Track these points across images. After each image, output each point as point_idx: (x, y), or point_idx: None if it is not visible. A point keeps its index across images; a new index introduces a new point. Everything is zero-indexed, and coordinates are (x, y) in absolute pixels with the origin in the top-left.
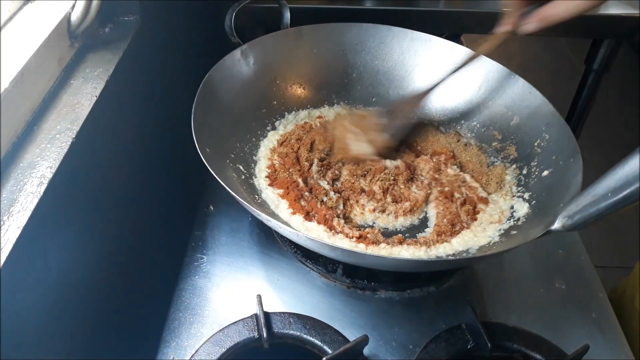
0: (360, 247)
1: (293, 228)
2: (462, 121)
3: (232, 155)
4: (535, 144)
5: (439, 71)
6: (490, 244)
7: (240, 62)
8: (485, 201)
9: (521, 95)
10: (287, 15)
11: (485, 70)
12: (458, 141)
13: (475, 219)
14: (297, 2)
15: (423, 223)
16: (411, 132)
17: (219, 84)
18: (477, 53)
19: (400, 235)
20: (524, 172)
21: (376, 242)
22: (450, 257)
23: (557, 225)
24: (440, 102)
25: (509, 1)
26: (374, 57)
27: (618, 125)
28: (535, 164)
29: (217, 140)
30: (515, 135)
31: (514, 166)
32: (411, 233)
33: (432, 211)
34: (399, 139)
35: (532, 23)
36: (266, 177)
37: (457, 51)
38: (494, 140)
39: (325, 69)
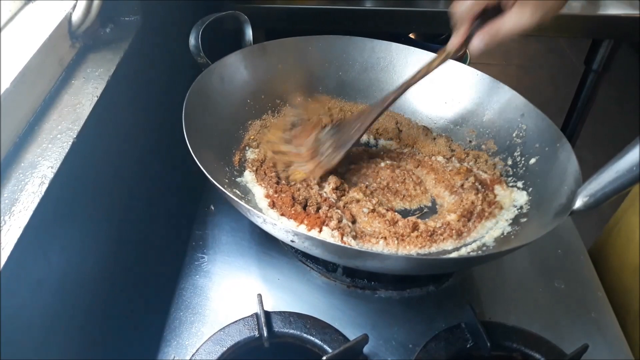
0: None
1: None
2: (434, 122)
3: (227, 174)
4: (514, 134)
5: (401, 77)
6: (505, 234)
7: (212, 82)
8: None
9: (489, 91)
10: (249, 31)
11: (450, 71)
12: (426, 135)
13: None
14: (298, 1)
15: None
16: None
17: (200, 105)
18: (427, 69)
19: (413, 217)
20: (509, 162)
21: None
22: (479, 253)
23: (578, 204)
24: (411, 107)
25: (461, 9)
26: (337, 69)
27: (618, 125)
28: (519, 153)
29: (219, 161)
30: (491, 130)
31: (497, 158)
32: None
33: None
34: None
35: (483, 38)
36: (268, 205)
37: (417, 55)
38: (469, 137)
39: (292, 84)
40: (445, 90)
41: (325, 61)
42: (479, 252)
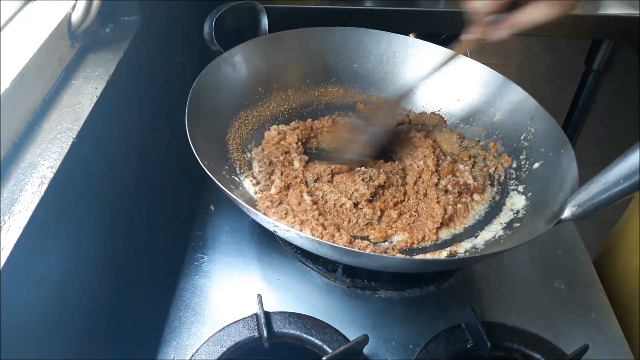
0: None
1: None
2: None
3: (227, 167)
4: (522, 137)
5: (416, 72)
6: (496, 238)
7: (223, 71)
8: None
9: (501, 91)
10: (265, 21)
11: (464, 69)
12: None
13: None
14: (296, 1)
15: None
16: (392, 139)
17: (206, 94)
18: (450, 55)
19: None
20: (514, 165)
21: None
22: (467, 255)
23: (567, 214)
24: (423, 103)
25: (476, 7)
26: (352, 60)
27: (618, 125)
28: (524, 157)
29: (215, 150)
30: (500, 131)
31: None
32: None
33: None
34: (377, 146)
35: (503, 30)
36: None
37: (435, 51)
38: (478, 137)
39: (306, 75)
40: (457, 88)
41: (341, 52)
42: (466, 254)
